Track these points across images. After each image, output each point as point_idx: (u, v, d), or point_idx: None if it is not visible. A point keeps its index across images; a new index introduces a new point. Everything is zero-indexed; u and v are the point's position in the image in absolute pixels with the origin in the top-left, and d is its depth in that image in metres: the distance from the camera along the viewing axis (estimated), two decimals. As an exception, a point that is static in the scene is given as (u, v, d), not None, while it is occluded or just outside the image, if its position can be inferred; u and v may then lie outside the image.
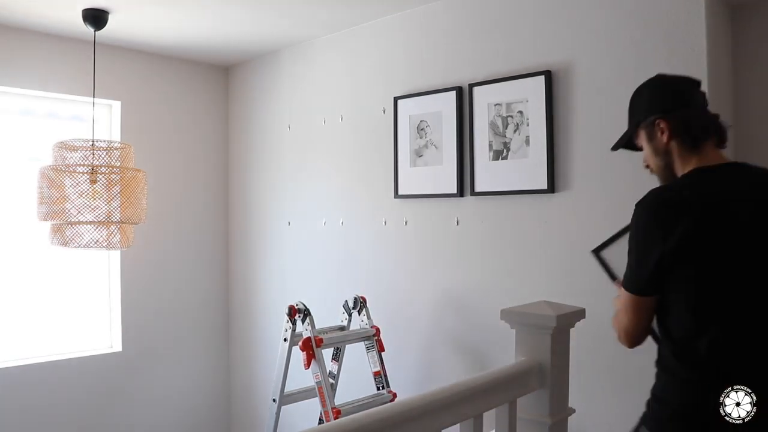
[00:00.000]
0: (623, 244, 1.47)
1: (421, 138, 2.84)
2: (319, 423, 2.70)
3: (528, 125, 2.46)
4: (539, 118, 2.42)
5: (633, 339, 1.42)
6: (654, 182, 1.52)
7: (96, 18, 2.88)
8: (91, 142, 2.76)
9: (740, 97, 2.29)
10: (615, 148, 1.62)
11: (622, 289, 1.41)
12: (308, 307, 2.61)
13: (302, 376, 2.75)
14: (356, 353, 2.87)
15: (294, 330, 2.65)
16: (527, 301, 2.31)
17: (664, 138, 1.44)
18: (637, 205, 1.40)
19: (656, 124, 1.45)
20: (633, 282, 1.38)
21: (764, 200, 1.35)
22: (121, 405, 3.48)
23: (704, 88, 2.02)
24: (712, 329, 1.31)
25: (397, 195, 2.92)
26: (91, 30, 2.94)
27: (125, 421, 3.49)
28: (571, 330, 1.62)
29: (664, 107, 1.44)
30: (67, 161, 2.75)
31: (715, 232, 1.30)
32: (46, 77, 3.21)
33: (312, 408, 2.74)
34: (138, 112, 3.56)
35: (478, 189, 2.62)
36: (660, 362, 1.43)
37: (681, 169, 1.44)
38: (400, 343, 2.89)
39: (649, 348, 2.13)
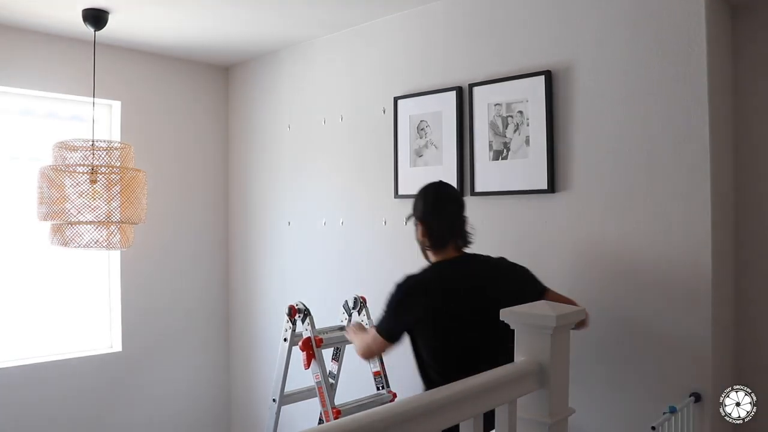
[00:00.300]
0: None
1: (421, 138, 2.84)
2: (319, 423, 2.70)
3: (528, 125, 2.46)
4: (539, 118, 2.42)
5: (368, 357, 2.33)
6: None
7: (96, 18, 2.88)
8: (91, 142, 2.76)
9: (740, 97, 2.29)
10: (406, 222, 2.16)
11: (374, 329, 2.07)
12: (308, 307, 2.61)
13: (302, 376, 2.75)
14: (356, 353, 2.86)
15: (294, 330, 2.65)
16: (527, 301, 2.31)
17: (419, 235, 2.06)
18: (396, 285, 2.00)
19: (416, 224, 2.07)
20: (385, 332, 2.02)
21: (481, 277, 1.99)
22: (121, 405, 3.48)
23: (704, 87, 2.03)
24: (441, 360, 1.97)
25: (397, 195, 2.92)
26: (91, 30, 2.94)
27: (125, 421, 3.49)
28: (571, 330, 1.63)
29: (423, 213, 2.05)
30: (67, 161, 2.75)
31: (444, 303, 1.94)
32: (46, 77, 3.21)
33: (312, 408, 2.74)
34: (138, 112, 3.56)
35: (478, 189, 2.62)
36: (423, 379, 2.06)
37: (432, 258, 2.05)
38: (400, 343, 2.89)
39: (648, 353, 2.14)
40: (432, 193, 2.07)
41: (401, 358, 2.88)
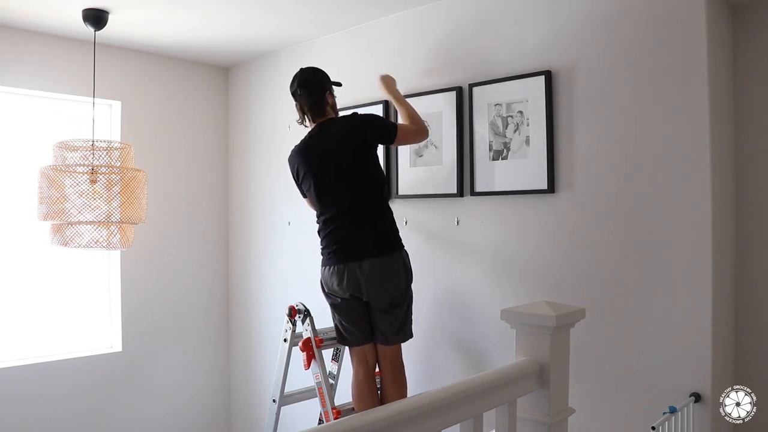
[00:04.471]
0: None
1: (421, 138, 2.84)
2: (319, 423, 2.70)
3: (528, 125, 2.46)
4: (539, 118, 2.42)
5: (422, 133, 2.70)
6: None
7: (96, 18, 2.88)
8: (91, 142, 2.76)
9: (740, 97, 2.29)
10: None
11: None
12: (308, 307, 2.61)
13: (302, 377, 2.75)
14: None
15: (294, 330, 2.65)
16: (527, 301, 2.31)
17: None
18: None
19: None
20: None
21: (328, 138, 2.50)
22: (121, 405, 3.48)
23: (704, 87, 2.03)
24: (321, 207, 2.49)
25: (397, 195, 2.92)
26: (91, 30, 2.94)
27: (125, 421, 3.49)
28: (571, 330, 1.63)
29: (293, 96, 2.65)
30: (67, 161, 2.75)
31: (311, 159, 2.52)
32: (46, 77, 3.21)
33: (312, 408, 2.74)
34: (138, 112, 3.56)
35: (478, 189, 2.62)
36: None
37: (308, 125, 2.63)
38: (400, 343, 2.89)
39: (648, 353, 2.14)
40: (293, 81, 2.61)
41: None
